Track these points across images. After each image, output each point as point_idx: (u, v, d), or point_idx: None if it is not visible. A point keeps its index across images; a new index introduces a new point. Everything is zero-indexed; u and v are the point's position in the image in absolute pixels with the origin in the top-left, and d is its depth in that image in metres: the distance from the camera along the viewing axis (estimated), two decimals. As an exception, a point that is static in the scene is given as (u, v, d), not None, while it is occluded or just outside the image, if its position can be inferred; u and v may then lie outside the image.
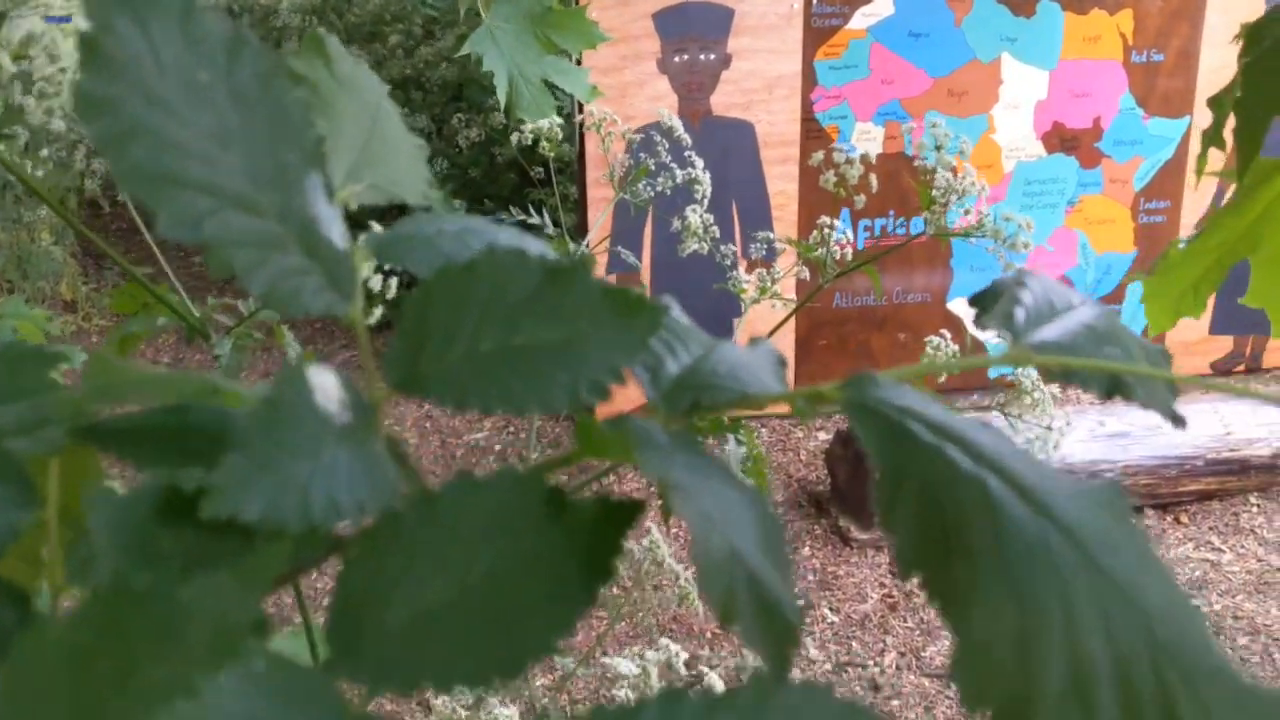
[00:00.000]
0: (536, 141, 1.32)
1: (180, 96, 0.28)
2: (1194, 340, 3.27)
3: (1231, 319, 3.23)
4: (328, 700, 0.23)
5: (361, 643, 0.25)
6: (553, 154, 1.33)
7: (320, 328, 3.73)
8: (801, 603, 2.43)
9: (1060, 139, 3.11)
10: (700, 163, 1.32)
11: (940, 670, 2.26)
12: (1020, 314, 0.33)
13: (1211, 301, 0.90)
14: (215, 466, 0.25)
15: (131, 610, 0.21)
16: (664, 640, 1.16)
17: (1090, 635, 0.24)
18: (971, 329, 0.39)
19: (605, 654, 1.43)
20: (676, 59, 2.86)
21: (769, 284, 1.26)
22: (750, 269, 1.31)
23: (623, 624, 1.36)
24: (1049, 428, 1.24)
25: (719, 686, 1.11)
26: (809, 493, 2.87)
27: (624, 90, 2.83)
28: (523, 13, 1.27)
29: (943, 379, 2.15)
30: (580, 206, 2.97)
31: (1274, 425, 2.74)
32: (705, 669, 1.98)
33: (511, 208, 1.48)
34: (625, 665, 1.14)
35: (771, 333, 1.29)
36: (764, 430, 3.10)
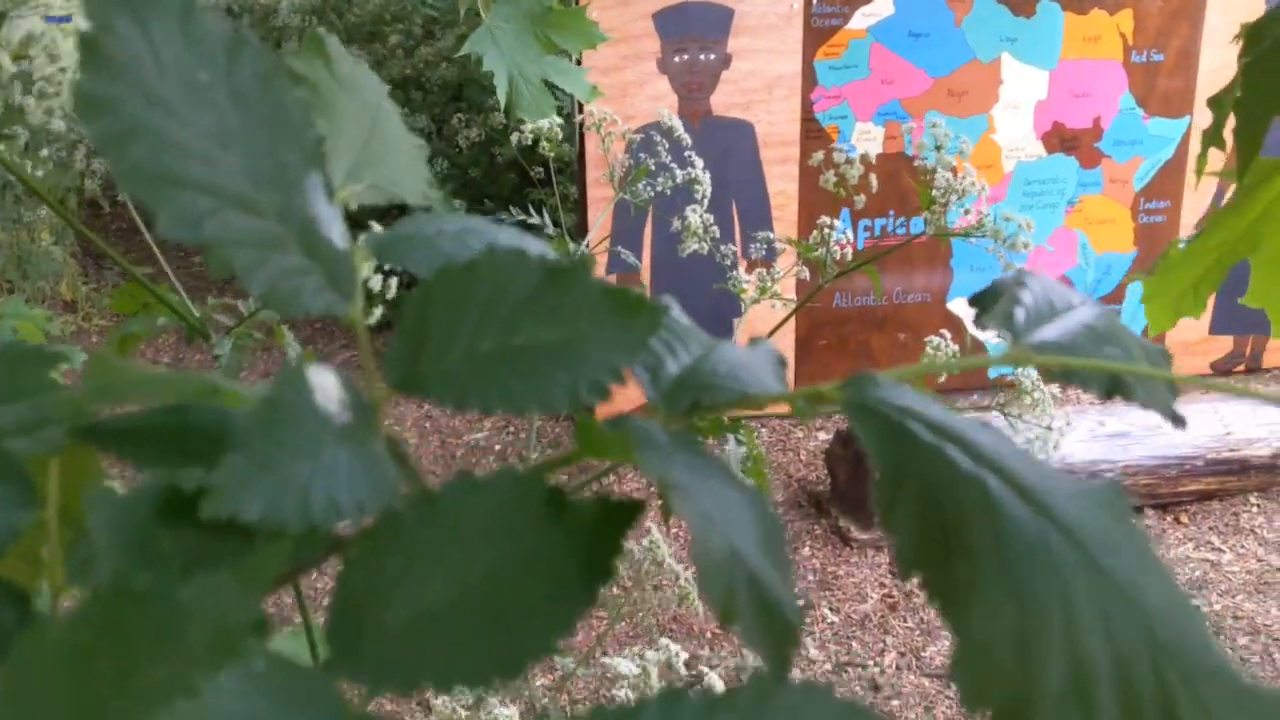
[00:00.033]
0: (536, 141, 1.32)
1: (180, 96, 0.28)
2: (1194, 340, 3.27)
3: (1231, 319, 3.23)
4: (328, 700, 0.23)
5: (361, 643, 0.25)
6: (553, 154, 1.33)
7: (320, 328, 3.73)
8: (801, 603, 2.44)
9: (1060, 139, 3.11)
10: (700, 163, 1.32)
11: (940, 670, 2.26)
12: (1020, 314, 0.33)
13: (1211, 301, 0.90)
14: (215, 466, 0.25)
15: (131, 610, 0.21)
16: (664, 640, 1.16)
17: (1090, 635, 0.24)
18: (971, 329, 0.39)
19: (605, 654, 1.43)
20: (676, 59, 2.86)
21: (769, 284, 1.26)
22: (750, 269, 1.31)
23: (623, 624, 1.36)
24: (1049, 428, 1.24)
25: (719, 686, 1.11)
26: (809, 493, 2.87)
27: (624, 90, 2.83)
28: (523, 13, 1.27)
29: (943, 379, 2.15)
30: (580, 206, 2.97)
31: (1274, 425, 2.74)
32: (705, 669, 1.98)
33: (511, 208, 1.48)
34: (625, 665, 1.14)
35: (771, 333, 1.29)
36: (764, 430, 3.10)
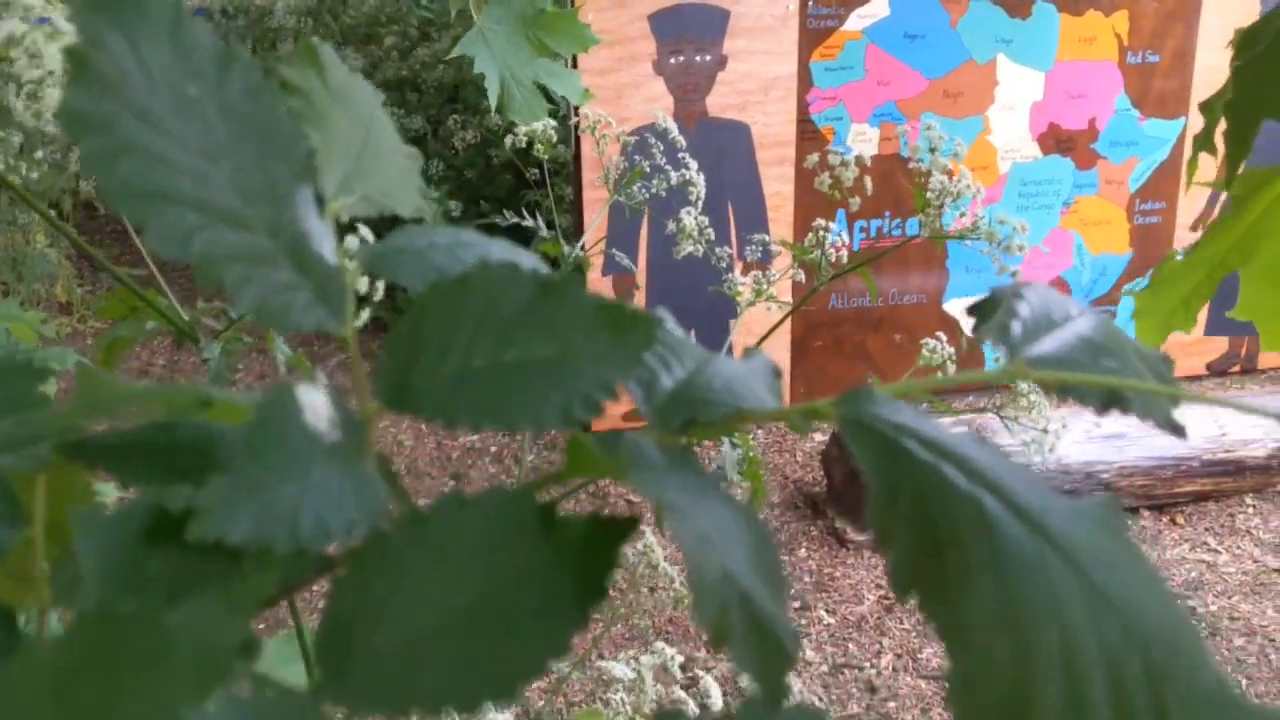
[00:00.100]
0: (531, 144, 1.31)
1: (169, 111, 0.28)
2: (1189, 341, 3.27)
3: (1227, 320, 3.23)
4: (317, 724, 0.23)
5: (351, 664, 0.24)
6: (547, 156, 1.32)
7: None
8: (798, 604, 2.44)
9: (1056, 140, 3.12)
10: (694, 165, 1.32)
11: (937, 672, 2.26)
12: (1017, 327, 0.33)
13: (1207, 299, 0.90)
14: (203, 485, 0.25)
15: (117, 636, 0.20)
16: (659, 644, 1.16)
17: (1087, 656, 0.24)
18: (967, 330, 0.39)
19: (601, 657, 1.43)
20: (672, 60, 2.85)
21: (765, 287, 1.26)
22: (746, 271, 1.31)
23: (619, 627, 1.36)
24: (1045, 430, 1.24)
25: (715, 690, 1.11)
26: (805, 494, 2.87)
27: (620, 92, 2.82)
28: (515, 15, 1.26)
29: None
30: (576, 208, 2.97)
31: (1269, 426, 2.74)
32: (701, 672, 1.98)
33: (506, 210, 1.48)
34: (620, 669, 1.13)
35: (767, 335, 1.29)
36: (760, 431, 3.10)
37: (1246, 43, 0.71)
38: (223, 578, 0.24)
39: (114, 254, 4.06)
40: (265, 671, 0.24)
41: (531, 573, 0.26)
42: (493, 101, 1.25)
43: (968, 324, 0.36)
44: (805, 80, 2.93)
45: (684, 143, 1.37)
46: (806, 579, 2.55)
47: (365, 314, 0.74)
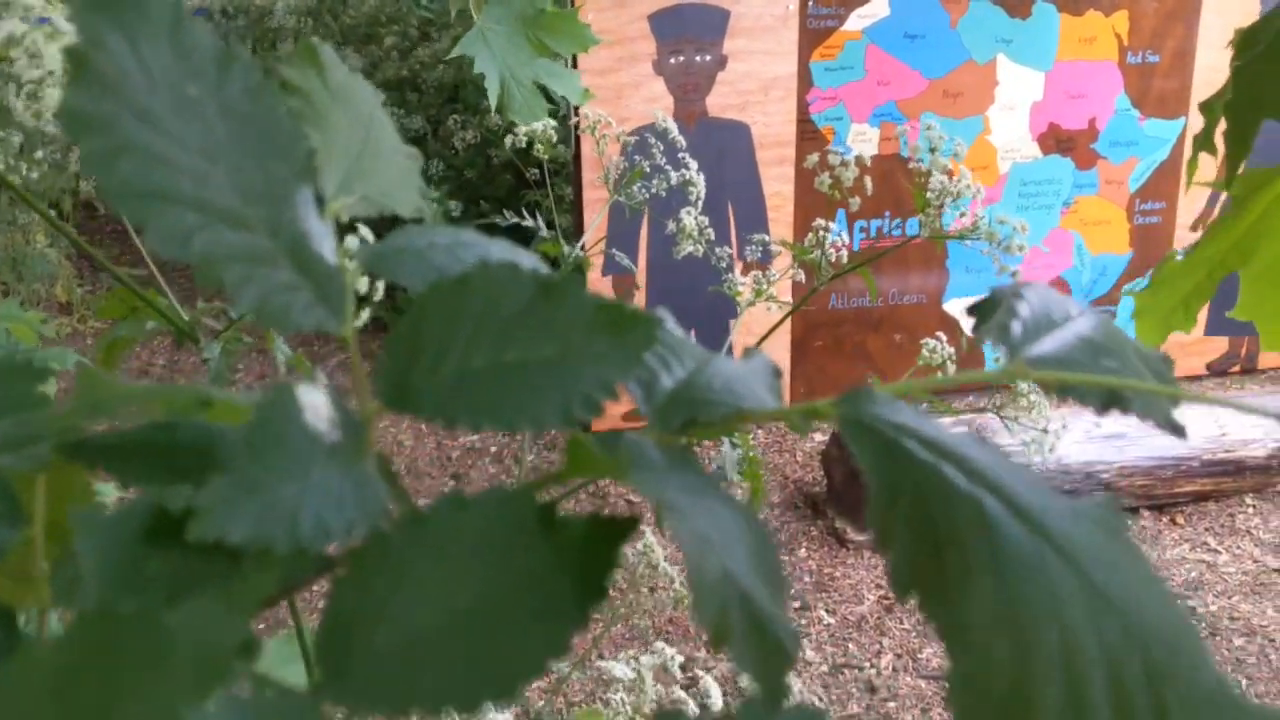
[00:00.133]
0: (531, 144, 1.31)
1: (169, 112, 0.28)
2: (1189, 341, 3.27)
3: (1227, 320, 3.23)
4: (317, 724, 0.23)
5: (351, 665, 0.24)
6: (547, 156, 1.32)
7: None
8: (798, 604, 2.43)
9: (1056, 140, 3.12)
10: (694, 165, 1.32)
11: (937, 672, 2.26)
12: (1017, 327, 0.33)
13: (1207, 299, 0.90)
14: (203, 485, 0.25)
15: (117, 636, 0.20)
16: (659, 644, 1.16)
17: (1087, 657, 0.24)
18: (967, 330, 0.38)
19: (601, 657, 1.43)
20: (672, 60, 2.86)
21: (765, 287, 1.26)
22: (746, 271, 1.31)
23: (619, 626, 1.36)
24: (1045, 430, 1.24)
25: (715, 690, 1.11)
26: (805, 494, 2.87)
27: (620, 92, 2.82)
28: (515, 14, 1.26)
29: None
30: (576, 208, 2.97)
31: (1269, 426, 2.74)
32: (701, 672, 1.98)
33: (506, 210, 1.48)
34: (620, 669, 1.13)
35: (767, 335, 1.29)
36: (760, 431, 3.10)
37: (1246, 43, 0.71)
38: (223, 578, 0.24)
39: (114, 254, 4.06)
40: (265, 671, 0.24)
41: (531, 573, 0.26)
42: (493, 101, 1.25)
43: (968, 324, 0.36)
44: (805, 80, 2.93)
45: (684, 143, 1.37)
46: (806, 579, 2.55)
47: (365, 314, 0.74)
